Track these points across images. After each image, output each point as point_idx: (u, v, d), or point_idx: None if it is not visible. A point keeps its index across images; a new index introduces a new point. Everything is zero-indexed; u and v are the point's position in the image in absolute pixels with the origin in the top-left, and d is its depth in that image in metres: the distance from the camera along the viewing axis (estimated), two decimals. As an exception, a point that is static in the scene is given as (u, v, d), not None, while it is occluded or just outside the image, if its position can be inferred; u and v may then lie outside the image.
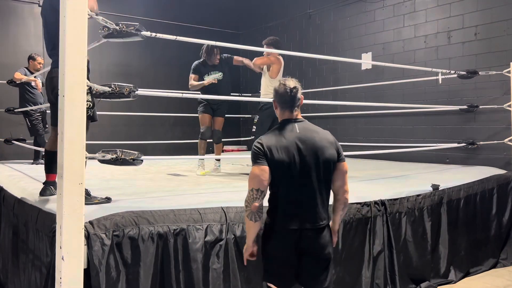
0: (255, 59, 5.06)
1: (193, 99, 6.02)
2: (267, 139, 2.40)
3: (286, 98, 2.44)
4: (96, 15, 2.62)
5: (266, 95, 4.86)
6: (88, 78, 2.95)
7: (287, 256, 2.36)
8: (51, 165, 3.15)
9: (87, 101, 2.93)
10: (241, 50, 7.27)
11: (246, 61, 5.29)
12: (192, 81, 5.35)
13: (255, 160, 2.36)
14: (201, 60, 5.40)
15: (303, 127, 2.44)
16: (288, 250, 2.35)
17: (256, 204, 2.31)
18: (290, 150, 2.34)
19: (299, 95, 2.47)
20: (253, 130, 5.07)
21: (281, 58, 4.95)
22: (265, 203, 2.44)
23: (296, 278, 2.43)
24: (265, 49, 4.70)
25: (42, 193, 3.20)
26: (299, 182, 2.34)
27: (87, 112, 2.97)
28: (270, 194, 2.44)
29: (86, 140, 3.03)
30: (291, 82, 2.46)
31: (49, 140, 3.25)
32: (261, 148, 2.35)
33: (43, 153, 6.15)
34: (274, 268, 2.41)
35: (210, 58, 5.32)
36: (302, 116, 2.50)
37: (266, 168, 2.32)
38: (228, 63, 5.47)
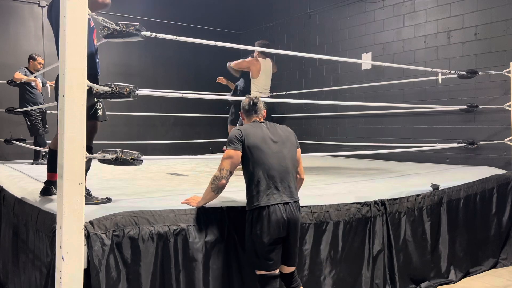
0: (229, 63, 5.37)
1: (193, 99, 6.03)
2: (245, 127, 2.82)
3: (250, 106, 2.95)
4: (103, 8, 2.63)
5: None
6: (97, 78, 2.96)
7: (277, 235, 2.60)
8: (54, 164, 3.14)
9: (97, 101, 2.93)
10: (241, 50, 7.26)
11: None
12: None
13: (232, 143, 2.72)
14: None
15: (269, 123, 2.91)
16: (278, 227, 2.60)
17: (224, 182, 2.69)
18: (265, 137, 2.75)
19: (261, 105, 2.97)
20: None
21: (260, 59, 5.28)
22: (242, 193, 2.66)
23: (281, 257, 2.69)
24: (262, 49, 4.81)
25: (43, 192, 3.20)
26: (276, 163, 2.70)
27: (97, 113, 2.98)
28: (249, 180, 2.69)
29: (94, 140, 3.04)
30: (253, 96, 3.00)
31: (54, 138, 3.23)
32: (240, 133, 2.74)
33: (43, 153, 6.21)
34: (265, 253, 2.61)
35: None
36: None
37: (239, 153, 2.71)
38: None
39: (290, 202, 2.67)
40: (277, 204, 2.62)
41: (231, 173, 2.71)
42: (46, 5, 3.41)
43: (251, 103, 2.95)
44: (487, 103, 5.53)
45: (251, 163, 2.70)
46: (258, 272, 2.67)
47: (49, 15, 3.12)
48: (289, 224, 2.65)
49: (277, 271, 2.68)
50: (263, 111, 2.98)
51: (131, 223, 2.55)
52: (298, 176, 2.91)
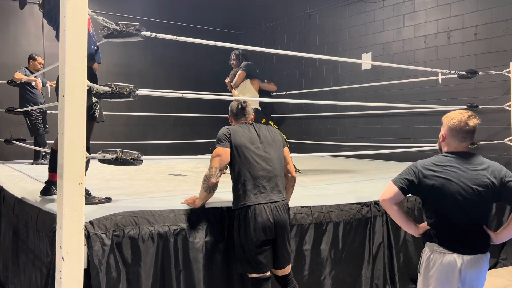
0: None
1: (193, 99, 6.03)
2: (233, 127, 2.87)
3: (238, 110, 2.96)
4: None
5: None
6: (96, 78, 2.95)
7: (264, 237, 2.58)
8: (55, 164, 3.14)
9: (94, 102, 2.93)
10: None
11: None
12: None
13: (221, 141, 2.74)
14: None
15: (256, 124, 2.93)
16: (264, 230, 2.58)
17: (213, 180, 2.68)
18: (252, 137, 2.78)
19: (249, 109, 2.97)
20: None
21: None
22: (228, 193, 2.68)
23: (272, 259, 2.68)
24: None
25: (43, 192, 3.20)
26: (263, 163, 2.70)
27: (94, 113, 2.98)
28: (236, 179, 2.69)
29: (95, 141, 3.04)
30: (242, 100, 3.00)
31: (56, 138, 3.24)
32: (229, 132, 2.77)
33: (44, 153, 6.20)
34: (254, 256, 2.59)
35: None
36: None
37: (228, 150, 2.72)
38: None
39: (278, 201, 2.66)
40: (263, 203, 2.61)
41: (221, 171, 2.70)
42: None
43: (240, 107, 2.96)
44: (487, 103, 5.53)
45: (238, 162, 2.70)
46: (249, 275, 2.67)
47: (43, 9, 3.10)
48: (276, 227, 2.62)
49: (268, 273, 2.66)
50: (251, 115, 2.99)
51: (131, 223, 2.55)
52: (289, 175, 2.91)
